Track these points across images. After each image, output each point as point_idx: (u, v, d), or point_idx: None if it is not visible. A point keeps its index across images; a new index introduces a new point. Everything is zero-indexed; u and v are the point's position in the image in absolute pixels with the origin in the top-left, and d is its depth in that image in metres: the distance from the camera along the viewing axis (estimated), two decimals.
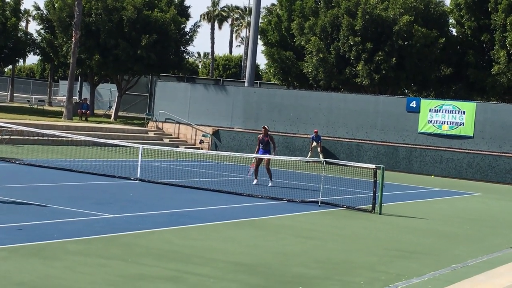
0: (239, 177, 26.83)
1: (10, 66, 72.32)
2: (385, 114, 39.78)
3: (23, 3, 54.49)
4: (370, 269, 12.50)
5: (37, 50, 55.22)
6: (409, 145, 38.94)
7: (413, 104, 39.04)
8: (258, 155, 24.45)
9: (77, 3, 46.93)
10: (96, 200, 17.92)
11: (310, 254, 13.40)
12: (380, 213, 19.68)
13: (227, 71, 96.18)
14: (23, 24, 59.10)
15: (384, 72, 43.96)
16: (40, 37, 54.31)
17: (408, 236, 16.79)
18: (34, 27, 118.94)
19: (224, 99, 44.27)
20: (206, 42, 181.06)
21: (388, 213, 20.07)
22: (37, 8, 54.07)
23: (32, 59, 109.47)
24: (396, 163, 38.83)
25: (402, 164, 38.78)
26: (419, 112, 38.78)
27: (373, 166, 20.76)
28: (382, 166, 20.56)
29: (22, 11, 55.33)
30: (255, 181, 24.31)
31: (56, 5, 51.82)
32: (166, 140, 43.44)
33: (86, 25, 48.92)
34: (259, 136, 24.82)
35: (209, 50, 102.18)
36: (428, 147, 38.50)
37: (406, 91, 51.41)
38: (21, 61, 78.63)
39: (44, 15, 53.31)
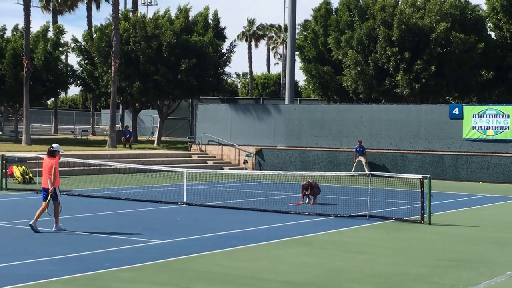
0: (285, 196, 26.78)
1: (53, 99, 73.39)
2: (428, 123, 39.45)
3: (64, 37, 55.34)
4: (423, 281, 12.37)
5: (78, 82, 55.93)
6: (454, 153, 38.55)
7: (456, 111, 38.66)
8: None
9: (114, 32, 47.53)
10: (144, 226, 18.03)
11: (361, 269, 13.31)
12: (429, 223, 19.49)
13: (266, 90, 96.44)
14: (62, 56, 59.71)
15: (424, 80, 43.67)
16: (80, 69, 55.01)
17: (459, 245, 16.60)
18: (73, 59, 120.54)
19: (265, 118, 44.33)
20: (244, 62, 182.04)
21: (438, 222, 19.87)
22: (75, 40, 54.81)
23: (74, 90, 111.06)
24: (442, 171, 38.46)
25: (449, 172, 38.40)
26: (462, 118, 38.38)
27: (420, 176, 20.59)
28: (428, 175, 20.38)
29: (62, 44, 56.09)
30: (306, 200, 24.13)
31: (94, 35, 52.50)
32: (210, 162, 43.58)
33: (125, 54, 49.45)
34: (303, 184, 24.36)
35: (247, 70, 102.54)
36: (474, 154, 38.07)
37: (448, 98, 50.95)
38: (63, 93, 79.72)
39: (82, 47, 54.02)
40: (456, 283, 12.12)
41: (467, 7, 46.23)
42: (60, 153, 17.51)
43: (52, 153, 17.23)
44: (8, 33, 54.05)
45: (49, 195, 16.75)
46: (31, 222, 16.65)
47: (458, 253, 15.35)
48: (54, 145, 17.60)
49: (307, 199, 24.05)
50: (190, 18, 52.32)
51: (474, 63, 44.94)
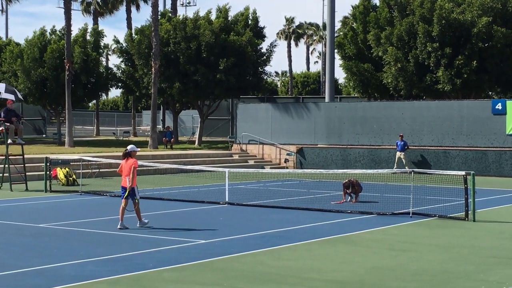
0: (327, 194, 26.68)
1: (94, 101, 74.04)
2: (470, 119, 39.04)
3: (103, 39, 55.69)
4: (468, 279, 12.23)
5: (119, 84, 56.31)
6: (498, 149, 38.10)
7: (499, 106, 38.19)
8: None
9: (154, 34, 47.82)
10: (187, 226, 18.09)
11: (405, 267, 13.20)
12: (474, 220, 19.28)
13: (306, 88, 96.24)
14: (103, 59, 60.22)
15: (465, 76, 43.21)
16: (120, 71, 55.35)
17: (505, 242, 16.39)
18: (114, 61, 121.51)
19: (306, 116, 44.25)
20: (284, 61, 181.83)
21: (483, 219, 19.65)
22: (117, 41, 55.23)
23: (115, 92, 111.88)
24: (486, 167, 38.03)
25: (492, 168, 37.95)
26: (505, 113, 37.89)
27: (463, 172, 20.37)
28: (472, 172, 20.16)
29: (102, 47, 56.49)
30: (349, 198, 24.03)
31: (136, 37, 52.84)
32: (251, 162, 43.61)
33: (165, 55, 49.71)
34: (344, 182, 24.19)
35: (286, 69, 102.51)
36: None
37: (490, 93, 50.38)
38: (104, 95, 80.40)
39: (123, 48, 54.39)
40: (502, 281, 11.96)
41: (509, 0, 45.62)
42: (136, 152, 18.26)
43: (128, 155, 17.98)
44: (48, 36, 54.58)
45: (127, 192, 17.42)
46: (118, 226, 17.30)
47: (504, 250, 15.16)
48: (129, 146, 18.35)
49: (349, 197, 23.95)
50: (229, 18, 52.43)
51: None
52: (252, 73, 51.69)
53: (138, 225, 17.57)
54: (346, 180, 24.02)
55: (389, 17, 47.65)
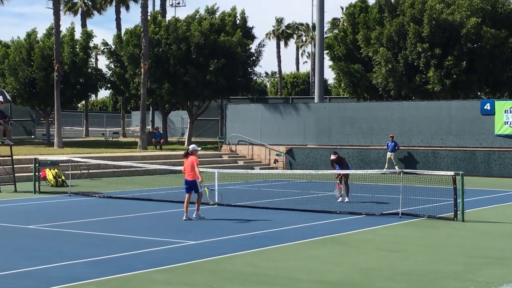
0: (316, 195, 26.69)
1: (84, 102, 73.78)
2: (459, 119, 39.15)
3: (92, 40, 55.40)
4: (457, 279, 12.26)
5: (108, 85, 56.12)
6: (486, 149, 38.21)
7: (487, 106, 38.31)
8: (338, 171, 24.17)
9: (143, 34, 47.75)
10: (176, 227, 18.07)
11: (394, 267, 13.22)
12: (463, 220, 19.33)
13: (296, 88, 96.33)
14: (92, 59, 59.91)
15: (455, 76, 43.34)
16: (110, 71, 55.16)
17: (494, 241, 16.44)
18: (103, 62, 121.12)
19: (295, 117, 44.27)
20: (273, 61, 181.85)
21: (471, 219, 19.70)
22: (105, 43, 55.04)
23: (104, 93, 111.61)
24: (475, 167, 38.13)
25: (481, 168, 38.06)
26: (494, 114, 38.02)
27: (452, 173, 20.41)
28: (461, 172, 20.21)
29: (91, 47, 56.25)
30: (340, 199, 24.09)
31: (124, 37, 52.70)
32: (241, 162, 43.60)
33: (155, 56, 49.63)
34: (332, 159, 24.46)
35: (276, 69, 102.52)
36: (506, 149, 37.70)
37: (479, 93, 50.53)
38: (93, 96, 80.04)
39: (112, 50, 54.21)
40: (491, 280, 11.99)
41: (498, 1, 45.79)
42: (197, 151, 20.10)
43: (190, 153, 19.67)
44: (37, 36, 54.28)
45: (200, 186, 19.68)
46: (184, 218, 19.05)
47: (492, 250, 15.20)
48: (191, 146, 20.10)
49: (340, 197, 23.95)
50: (219, 19, 52.39)
51: (505, 58, 44.56)
52: (242, 74, 51.66)
53: (194, 215, 19.25)
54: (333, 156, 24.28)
55: (379, 17, 47.69)
